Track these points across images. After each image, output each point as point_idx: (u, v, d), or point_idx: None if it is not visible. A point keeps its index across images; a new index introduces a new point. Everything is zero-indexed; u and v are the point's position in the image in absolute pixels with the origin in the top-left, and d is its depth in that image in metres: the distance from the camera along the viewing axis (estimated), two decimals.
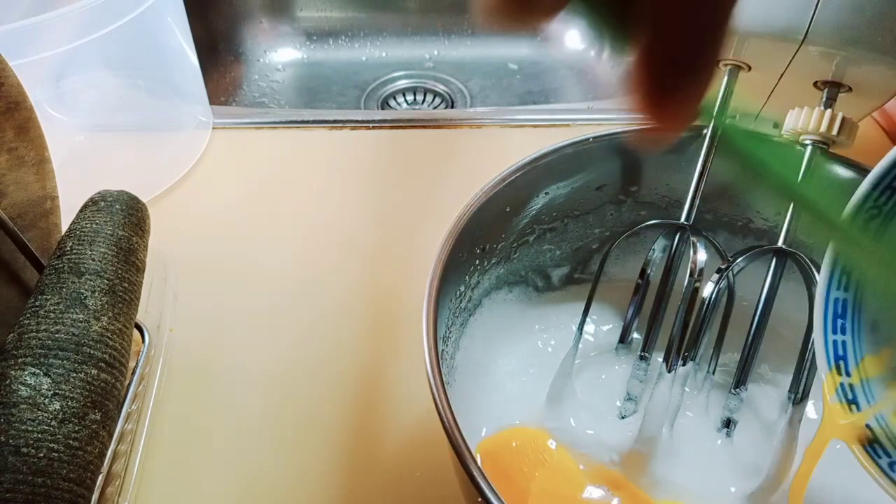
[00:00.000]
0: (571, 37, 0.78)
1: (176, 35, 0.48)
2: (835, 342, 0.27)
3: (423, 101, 0.75)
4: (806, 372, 0.32)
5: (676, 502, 0.31)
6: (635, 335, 0.36)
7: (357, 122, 0.55)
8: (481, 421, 0.34)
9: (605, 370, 0.36)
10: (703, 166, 0.34)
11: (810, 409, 0.35)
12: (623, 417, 0.34)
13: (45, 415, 0.26)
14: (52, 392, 0.27)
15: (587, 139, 0.34)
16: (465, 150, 0.53)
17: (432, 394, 0.24)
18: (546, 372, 0.36)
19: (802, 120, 0.32)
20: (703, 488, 0.32)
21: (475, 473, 0.22)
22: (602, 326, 0.38)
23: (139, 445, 0.35)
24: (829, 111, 0.32)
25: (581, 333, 0.36)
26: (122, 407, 0.33)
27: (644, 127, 0.16)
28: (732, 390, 0.34)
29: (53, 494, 0.26)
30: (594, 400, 0.35)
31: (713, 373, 0.35)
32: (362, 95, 0.75)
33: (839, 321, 0.27)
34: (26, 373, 0.27)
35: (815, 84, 0.34)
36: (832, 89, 0.34)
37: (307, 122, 0.56)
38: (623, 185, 0.37)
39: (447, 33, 0.79)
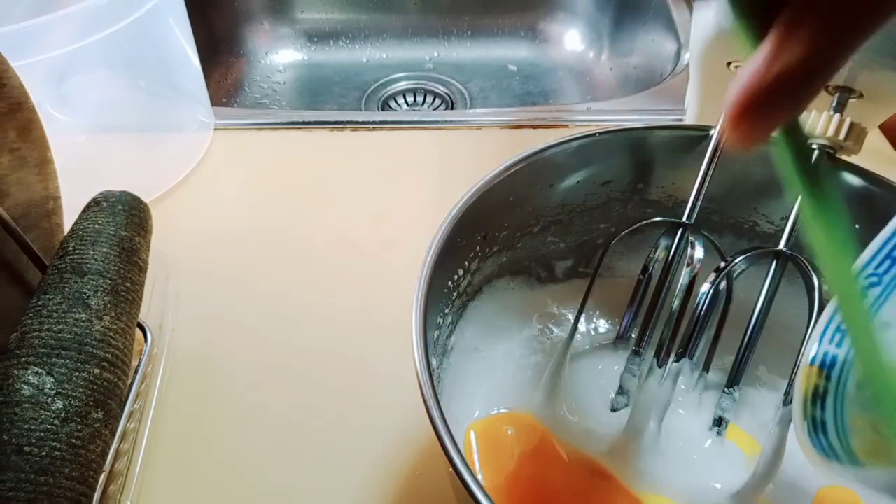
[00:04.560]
0: (571, 38, 0.78)
1: (178, 36, 0.48)
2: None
3: (423, 102, 0.75)
4: (798, 374, 0.32)
5: (659, 496, 0.32)
6: (635, 332, 0.36)
7: (358, 123, 0.56)
8: (474, 404, 0.34)
9: (601, 363, 0.37)
10: (708, 167, 0.34)
11: None
12: (614, 410, 0.34)
13: (48, 414, 0.27)
14: (54, 391, 0.27)
15: (593, 134, 0.34)
16: (465, 151, 0.54)
17: (416, 370, 0.25)
18: (542, 361, 0.36)
19: (810, 123, 0.32)
20: (688, 484, 0.32)
21: (448, 445, 0.22)
22: (602, 320, 0.39)
23: (141, 444, 0.35)
24: (837, 115, 0.32)
25: (577, 324, 0.36)
26: (124, 406, 0.33)
27: (727, 129, 0.16)
28: (725, 390, 0.34)
29: (56, 493, 0.26)
30: (587, 391, 0.35)
31: (708, 371, 0.35)
32: (363, 97, 0.75)
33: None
34: (29, 372, 0.27)
35: (826, 88, 0.34)
36: (843, 94, 0.34)
37: (308, 123, 0.56)
38: (630, 182, 0.37)
39: (447, 35, 0.79)
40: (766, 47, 0.15)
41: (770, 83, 0.15)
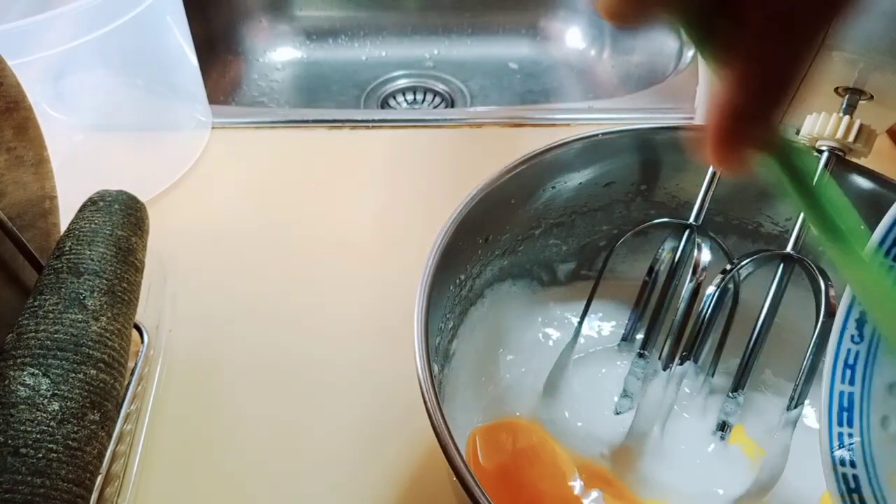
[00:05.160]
0: (572, 36, 0.78)
1: (175, 34, 0.48)
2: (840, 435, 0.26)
3: (423, 100, 0.75)
4: (803, 378, 0.32)
5: (661, 501, 0.31)
6: (639, 334, 0.36)
7: (357, 121, 0.55)
8: (476, 409, 0.34)
9: (605, 366, 0.36)
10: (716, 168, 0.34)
11: (807, 417, 0.35)
12: (618, 413, 0.34)
13: (44, 415, 0.26)
14: (50, 392, 0.27)
15: (596, 135, 0.34)
16: (465, 149, 0.53)
17: (418, 378, 0.24)
18: (545, 365, 0.36)
19: (819, 125, 0.32)
20: (691, 489, 0.32)
21: (453, 454, 0.22)
22: (606, 323, 0.38)
23: (138, 446, 0.35)
24: (846, 117, 0.32)
25: (581, 327, 0.36)
26: (121, 407, 0.33)
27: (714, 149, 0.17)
28: (730, 394, 0.34)
29: (52, 495, 0.26)
30: (591, 394, 0.35)
31: (713, 375, 0.35)
32: (362, 95, 0.75)
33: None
34: (25, 373, 0.27)
35: (836, 90, 0.34)
36: (853, 96, 0.33)
37: (307, 121, 0.55)
38: (633, 183, 0.37)
39: (447, 32, 0.79)
40: (729, 76, 0.16)
41: (739, 106, 0.16)
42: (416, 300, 0.27)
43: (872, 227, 0.33)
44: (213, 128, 0.54)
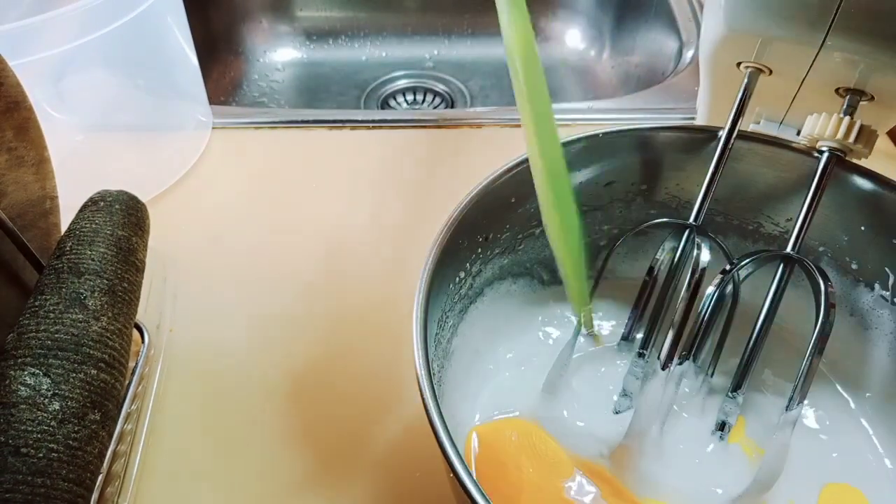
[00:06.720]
0: (572, 36, 0.78)
1: (176, 35, 0.48)
2: None
3: (423, 100, 0.75)
4: (802, 378, 0.32)
5: (660, 500, 0.31)
6: (639, 333, 0.36)
7: (357, 121, 0.55)
8: (475, 407, 0.34)
9: (604, 365, 0.36)
10: (717, 167, 0.33)
11: (807, 417, 0.35)
12: (617, 413, 0.34)
13: (45, 415, 0.26)
14: (51, 392, 0.27)
15: (596, 134, 0.34)
16: (465, 149, 0.53)
17: (416, 374, 0.25)
18: (545, 363, 0.36)
19: (819, 126, 0.32)
20: (690, 488, 0.32)
21: (448, 449, 0.22)
22: (606, 322, 0.38)
23: (139, 446, 0.35)
24: (847, 118, 0.32)
25: (580, 326, 0.36)
26: (121, 407, 0.33)
27: None
28: (730, 394, 0.34)
29: (53, 494, 0.26)
30: (590, 393, 0.35)
31: (712, 375, 0.35)
32: (362, 95, 0.75)
33: None
34: (26, 373, 0.27)
35: (836, 91, 0.34)
36: (853, 97, 0.33)
37: (307, 121, 0.56)
38: (633, 183, 0.37)
39: (447, 33, 0.79)
40: None
41: None
42: (415, 298, 0.27)
43: (874, 229, 0.33)
44: (213, 128, 0.54)
